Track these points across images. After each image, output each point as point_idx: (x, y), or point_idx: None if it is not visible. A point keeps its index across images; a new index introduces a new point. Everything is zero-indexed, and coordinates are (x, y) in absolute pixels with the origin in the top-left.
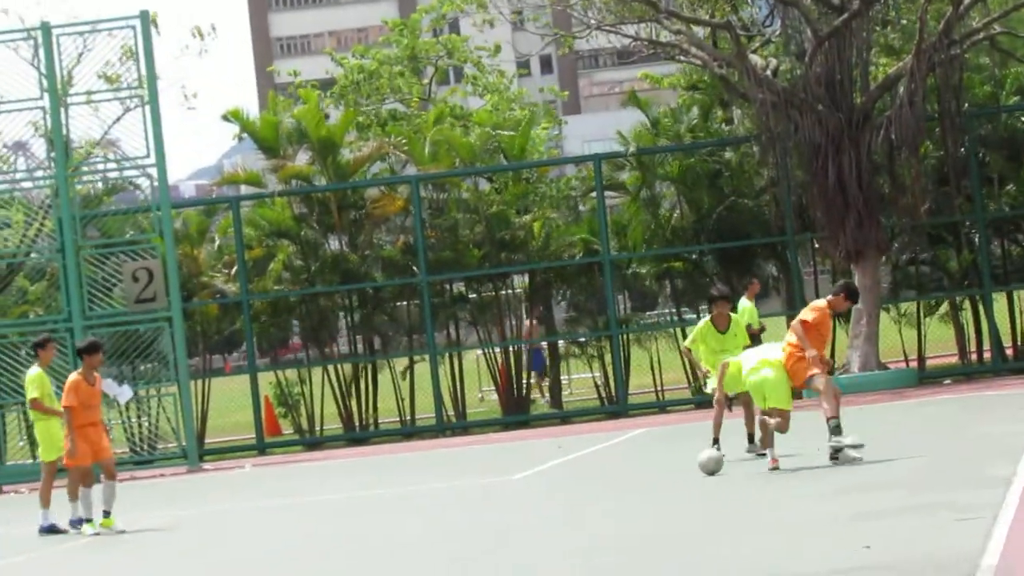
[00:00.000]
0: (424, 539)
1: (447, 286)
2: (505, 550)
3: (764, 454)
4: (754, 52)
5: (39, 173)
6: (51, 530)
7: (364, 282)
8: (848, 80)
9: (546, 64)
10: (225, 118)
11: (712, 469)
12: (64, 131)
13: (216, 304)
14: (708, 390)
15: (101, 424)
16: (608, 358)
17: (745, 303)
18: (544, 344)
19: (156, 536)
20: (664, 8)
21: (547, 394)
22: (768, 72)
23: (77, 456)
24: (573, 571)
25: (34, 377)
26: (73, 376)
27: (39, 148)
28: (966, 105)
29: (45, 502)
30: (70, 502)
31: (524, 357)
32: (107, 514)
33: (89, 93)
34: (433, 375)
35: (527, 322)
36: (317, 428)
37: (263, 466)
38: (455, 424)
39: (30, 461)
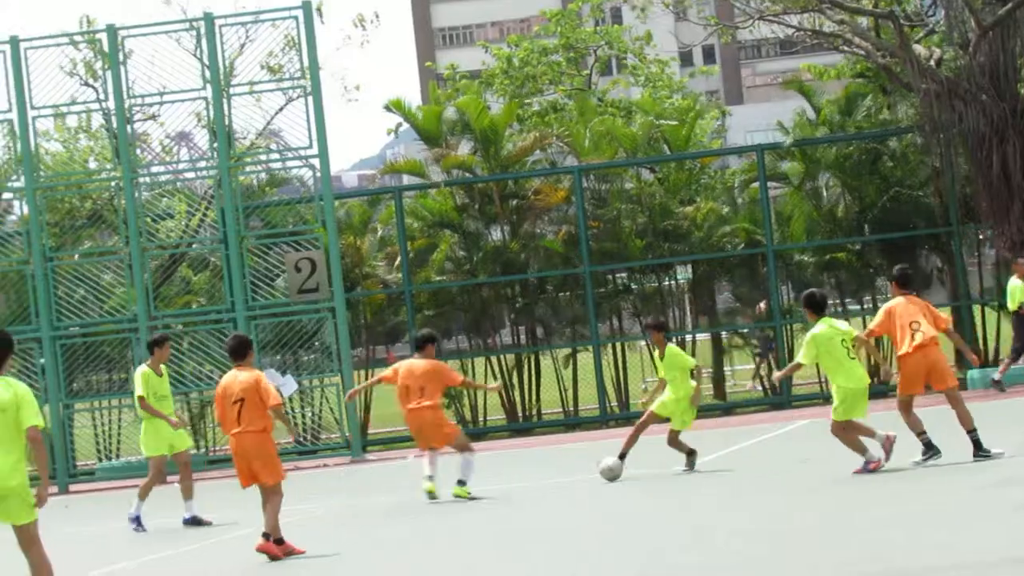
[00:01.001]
0: (601, 529)
1: (609, 277)
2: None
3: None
4: (917, 42)
5: (202, 164)
6: (194, 522)
7: (526, 273)
8: (1013, 70)
9: (708, 54)
10: (387, 108)
11: (611, 477)
12: (227, 122)
13: (379, 295)
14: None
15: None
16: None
17: (1016, 282)
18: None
19: (316, 523)
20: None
21: (765, 381)
22: (932, 62)
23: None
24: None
25: (142, 374)
26: (143, 368)
27: (202, 139)
28: None
29: (187, 494)
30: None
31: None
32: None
33: (251, 84)
34: (596, 365)
35: (760, 305)
36: (480, 419)
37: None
38: (618, 415)
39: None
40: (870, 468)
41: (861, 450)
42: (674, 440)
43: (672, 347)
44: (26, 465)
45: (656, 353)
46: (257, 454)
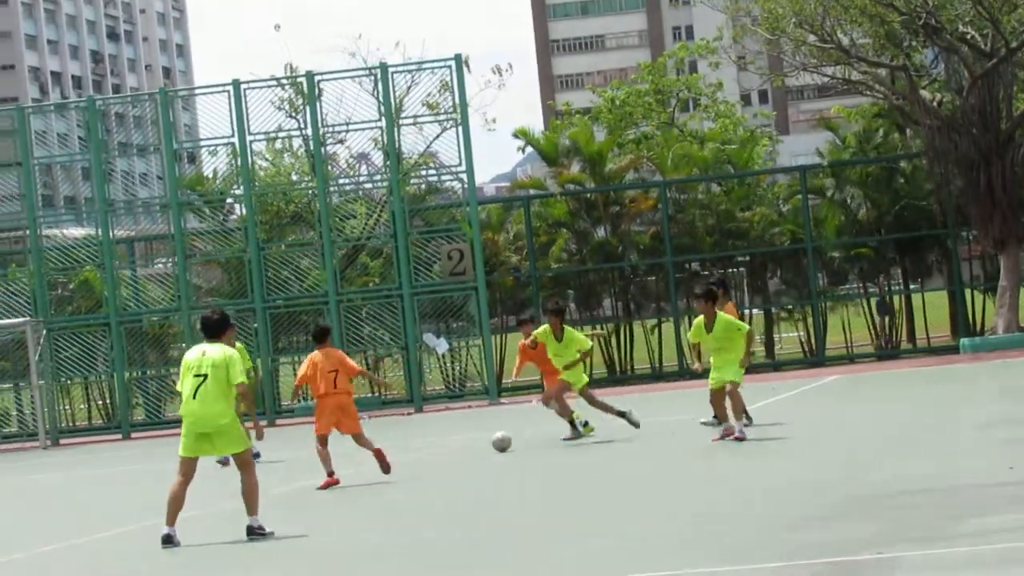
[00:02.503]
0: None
1: (686, 265)
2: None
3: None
4: (923, 88)
5: (377, 177)
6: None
7: (622, 262)
8: (996, 110)
9: (763, 96)
10: (515, 135)
11: (502, 447)
12: (396, 145)
13: (511, 277)
14: None
15: None
16: (810, 321)
17: None
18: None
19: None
20: (854, 54)
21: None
22: (934, 103)
23: None
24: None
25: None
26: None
27: (377, 158)
28: None
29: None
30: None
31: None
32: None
33: (415, 117)
34: (675, 332)
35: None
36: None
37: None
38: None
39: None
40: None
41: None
42: (718, 398)
43: (723, 314)
44: (235, 408)
45: (703, 320)
46: (345, 411)
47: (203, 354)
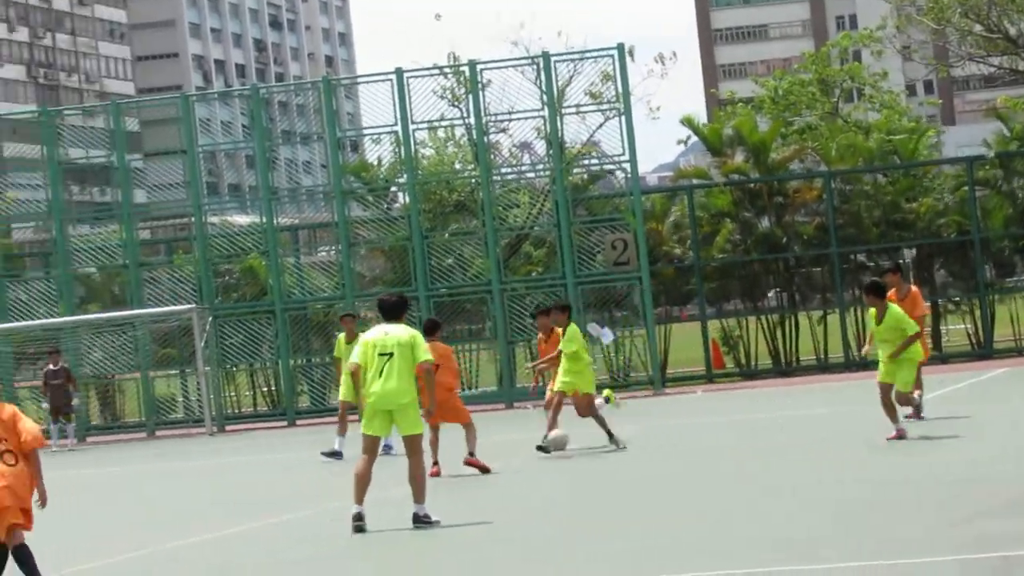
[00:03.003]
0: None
1: (852, 256)
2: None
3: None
4: None
5: (540, 166)
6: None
7: (786, 252)
8: None
9: (928, 86)
10: (681, 123)
11: (559, 447)
12: (559, 135)
13: (674, 268)
14: None
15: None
16: (977, 313)
17: None
18: None
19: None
20: (1022, 44)
21: None
22: None
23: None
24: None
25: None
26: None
27: (540, 147)
28: None
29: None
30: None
31: None
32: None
33: (578, 106)
34: (842, 323)
35: None
36: (752, 363)
37: (710, 391)
38: (860, 361)
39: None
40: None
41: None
42: (891, 399)
43: (895, 308)
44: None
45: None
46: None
47: (386, 334)
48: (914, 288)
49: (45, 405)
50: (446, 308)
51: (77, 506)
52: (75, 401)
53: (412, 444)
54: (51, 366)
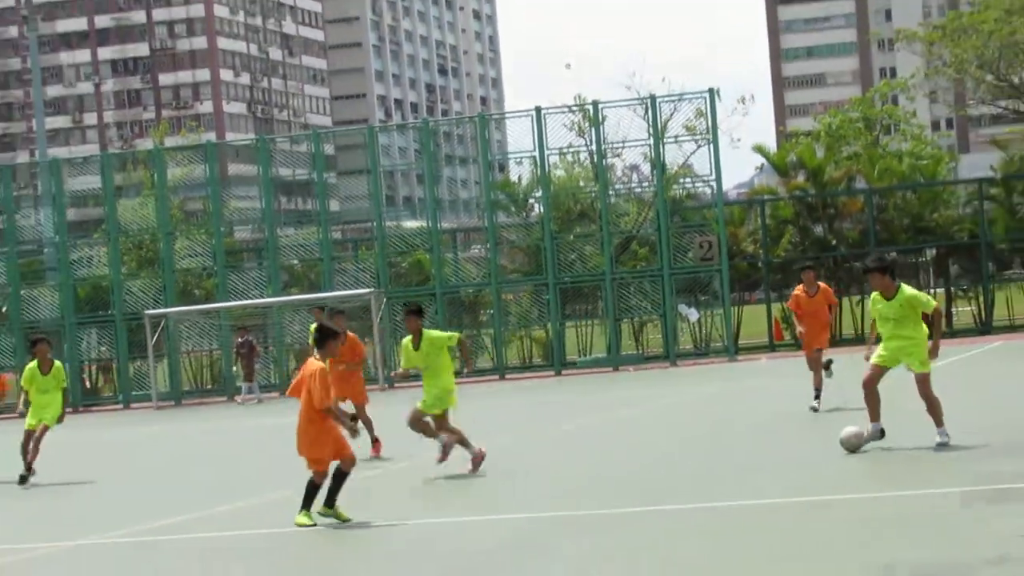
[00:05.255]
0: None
1: (886, 254)
2: None
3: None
4: None
5: (645, 184)
6: None
7: (835, 252)
8: None
9: (949, 123)
10: (755, 150)
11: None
12: (661, 159)
13: (747, 263)
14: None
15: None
16: (981, 299)
17: None
18: None
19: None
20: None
21: None
22: None
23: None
24: None
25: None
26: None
27: (645, 169)
28: None
29: None
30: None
31: None
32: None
33: (676, 137)
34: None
35: None
36: None
37: (773, 359)
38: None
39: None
40: None
41: None
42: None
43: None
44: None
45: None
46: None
47: None
48: (823, 284)
49: (235, 368)
50: (568, 293)
51: (272, 448)
52: (257, 367)
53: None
54: (239, 339)
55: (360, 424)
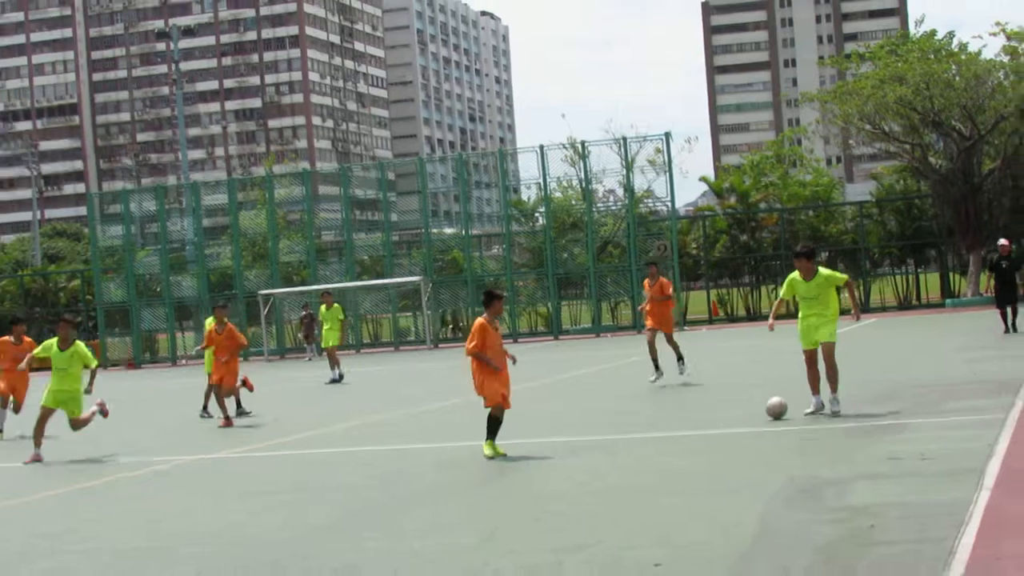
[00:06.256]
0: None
1: (809, 244)
2: None
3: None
4: (931, 156)
5: (619, 203)
6: None
7: (756, 253)
8: (972, 171)
9: (838, 159)
10: (700, 179)
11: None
12: (631, 185)
13: (692, 260)
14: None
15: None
16: (860, 290)
17: None
18: None
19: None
20: (892, 136)
21: None
22: (937, 166)
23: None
24: None
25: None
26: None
27: (620, 192)
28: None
29: None
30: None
31: None
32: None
33: (642, 168)
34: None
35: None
36: (734, 313)
37: (711, 330)
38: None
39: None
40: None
41: None
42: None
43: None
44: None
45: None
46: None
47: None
48: (663, 279)
49: (299, 336)
50: (563, 281)
51: (349, 394)
52: (316, 332)
53: None
54: (303, 312)
55: (230, 400)
